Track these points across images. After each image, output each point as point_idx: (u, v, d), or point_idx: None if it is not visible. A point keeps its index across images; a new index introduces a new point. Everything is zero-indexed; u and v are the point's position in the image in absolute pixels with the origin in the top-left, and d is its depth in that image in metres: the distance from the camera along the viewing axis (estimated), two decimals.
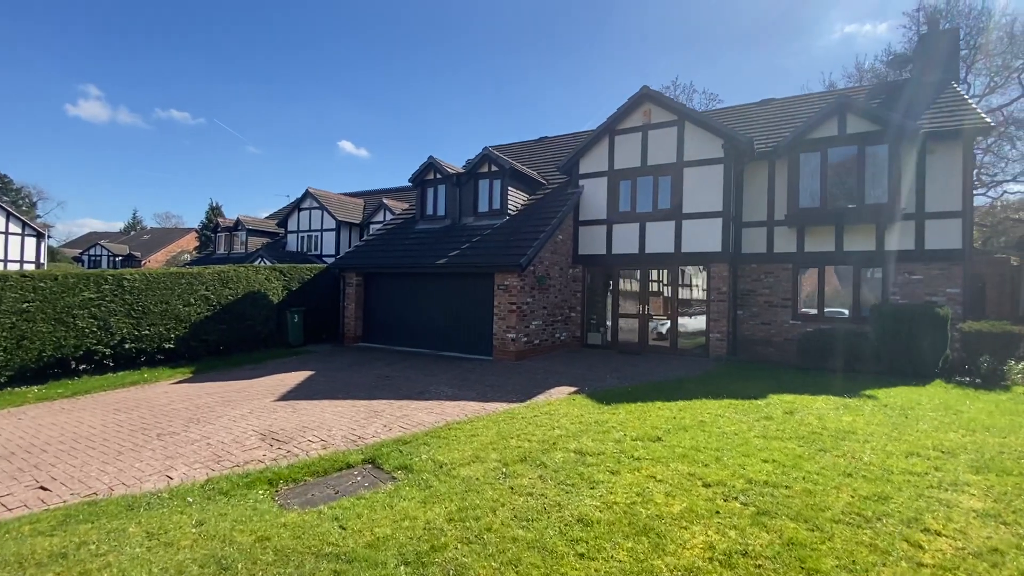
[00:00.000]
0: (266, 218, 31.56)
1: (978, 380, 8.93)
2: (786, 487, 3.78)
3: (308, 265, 14.45)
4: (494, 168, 13.30)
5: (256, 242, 27.10)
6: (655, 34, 72.55)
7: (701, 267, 12.50)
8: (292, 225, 26.26)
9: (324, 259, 23.74)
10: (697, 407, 6.56)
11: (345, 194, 29.41)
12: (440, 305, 12.63)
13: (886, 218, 10.73)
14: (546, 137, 19.14)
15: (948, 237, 10.58)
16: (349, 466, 4.86)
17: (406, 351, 12.56)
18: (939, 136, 10.62)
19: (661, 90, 12.38)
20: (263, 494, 4.15)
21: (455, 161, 15.78)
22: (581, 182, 13.51)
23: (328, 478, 4.59)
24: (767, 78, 54.39)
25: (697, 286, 13.48)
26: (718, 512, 3.42)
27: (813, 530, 3.14)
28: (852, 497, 3.58)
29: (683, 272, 12.89)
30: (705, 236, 12.00)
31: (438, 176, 14.16)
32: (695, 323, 12.90)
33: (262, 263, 19.31)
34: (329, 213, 24.38)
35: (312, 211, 25.41)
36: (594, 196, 13.34)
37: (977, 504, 3.43)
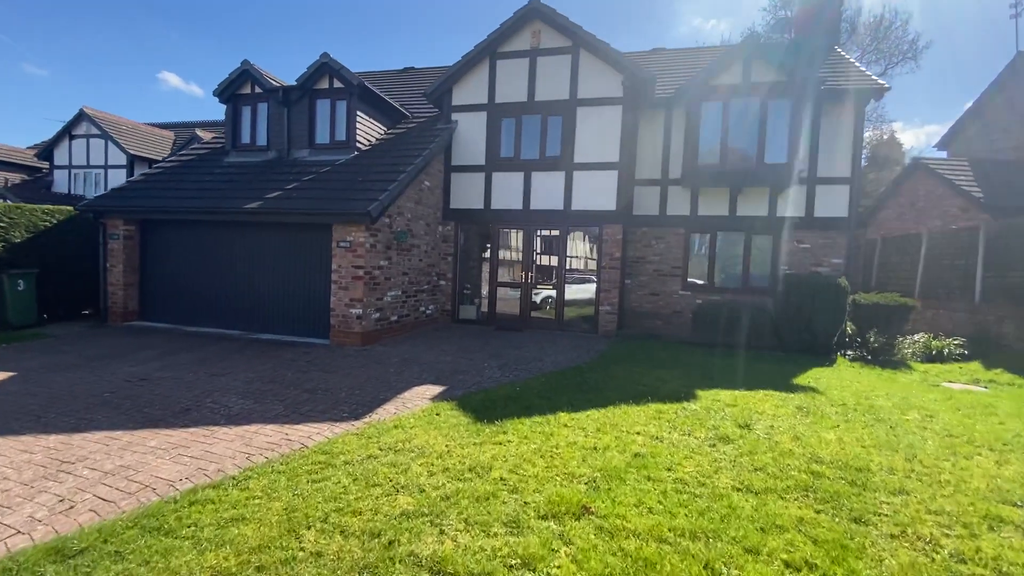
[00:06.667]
0: (28, 148, 23.08)
1: (868, 356, 8.43)
2: None
3: (45, 207, 9.63)
4: (336, 84, 9.84)
5: None
6: None
7: (588, 229, 10.73)
8: (61, 158, 19.21)
9: None
10: (619, 420, 4.51)
11: (151, 124, 22.54)
12: (255, 268, 9.05)
13: (783, 181, 9.85)
14: (412, 67, 15.77)
15: (837, 205, 10.05)
16: None
17: (204, 333, 8.83)
18: (834, 95, 9.90)
19: None
20: None
21: None
22: (454, 116, 10.72)
23: None
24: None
25: (580, 251, 11.79)
26: None
27: None
28: None
29: (569, 234, 11.01)
30: (599, 192, 10.17)
31: (258, 90, 10.23)
32: (579, 293, 11.24)
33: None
34: (116, 144, 18.09)
35: (91, 139, 18.73)
36: (470, 135, 10.68)
37: None
